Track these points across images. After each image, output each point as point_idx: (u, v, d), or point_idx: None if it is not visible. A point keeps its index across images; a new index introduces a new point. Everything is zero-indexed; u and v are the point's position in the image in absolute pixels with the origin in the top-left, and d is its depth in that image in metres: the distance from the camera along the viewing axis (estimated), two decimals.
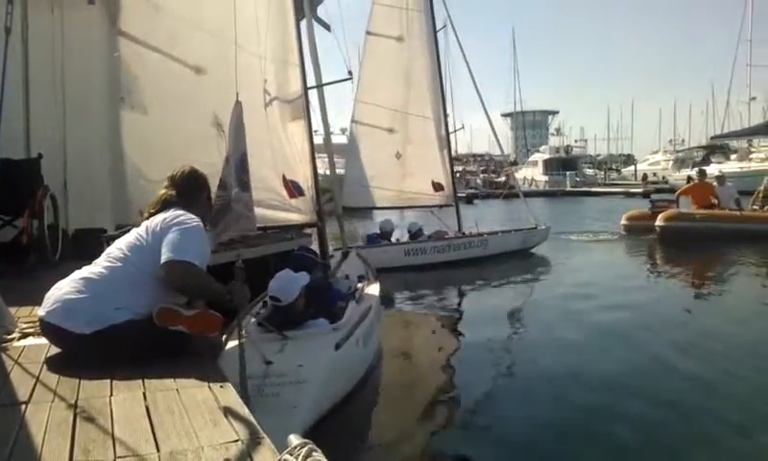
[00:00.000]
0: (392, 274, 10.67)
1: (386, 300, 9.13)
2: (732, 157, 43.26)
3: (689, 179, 39.62)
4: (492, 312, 8.83)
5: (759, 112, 42.97)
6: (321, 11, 8.82)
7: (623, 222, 16.25)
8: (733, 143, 45.11)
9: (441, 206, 13.09)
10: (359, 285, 6.21)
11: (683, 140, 68.53)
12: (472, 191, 42.49)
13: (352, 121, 13.22)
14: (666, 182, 43.19)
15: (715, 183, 15.73)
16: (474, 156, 69.46)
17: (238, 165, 3.58)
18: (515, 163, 58.24)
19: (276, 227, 6.44)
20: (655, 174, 48.95)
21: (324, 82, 7.57)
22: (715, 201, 14.80)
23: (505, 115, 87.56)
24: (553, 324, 7.93)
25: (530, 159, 52.56)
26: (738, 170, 38.72)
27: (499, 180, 51.61)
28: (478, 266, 11.86)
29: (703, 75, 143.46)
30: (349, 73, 7.62)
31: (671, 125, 78.94)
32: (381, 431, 4.76)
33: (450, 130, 14.15)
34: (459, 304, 9.59)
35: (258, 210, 5.60)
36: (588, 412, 4.85)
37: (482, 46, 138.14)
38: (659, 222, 14.36)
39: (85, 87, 6.73)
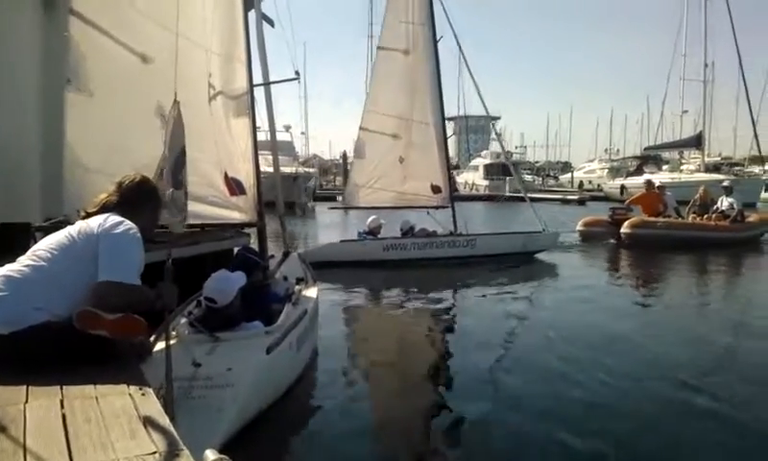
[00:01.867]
0: (375, 269, 11.07)
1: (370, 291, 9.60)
2: (665, 167, 44.56)
3: (623, 188, 41.49)
4: (459, 311, 8.83)
5: (691, 125, 44.65)
6: (265, 7, 8.68)
7: (579, 228, 16.07)
8: (666, 154, 46.89)
9: (437, 207, 13.16)
10: (297, 288, 5.93)
11: (618, 150, 70.39)
12: None
13: (360, 128, 13.42)
14: (601, 190, 44.52)
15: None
16: None
17: (173, 164, 3.46)
18: (456, 167, 58.96)
19: (215, 224, 6.07)
20: (590, 182, 50.24)
21: (270, 79, 7.54)
22: (662, 208, 15.45)
23: (449, 119, 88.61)
24: (528, 327, 7.98)
25: (471, 164, 53.06)
26: (669, 180, 40.18)
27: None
28: (466, 266, 11.82)
29: (639, 87, 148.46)
30: (296, 73, 7.55)
31: (608, 134, 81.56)
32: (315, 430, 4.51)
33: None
34: (427, 301, 9.18)
35: (198, 207, 5.41)
36: (565, 420, 4.60)
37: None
38: (624, 229, 14.71)
39: (12, 71, 6.46)
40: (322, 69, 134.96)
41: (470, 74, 14.45)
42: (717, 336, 7.31)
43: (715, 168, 40.92)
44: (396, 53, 13.18)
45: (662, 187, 16.72)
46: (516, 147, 75.01)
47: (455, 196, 14.20)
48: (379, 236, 12.24)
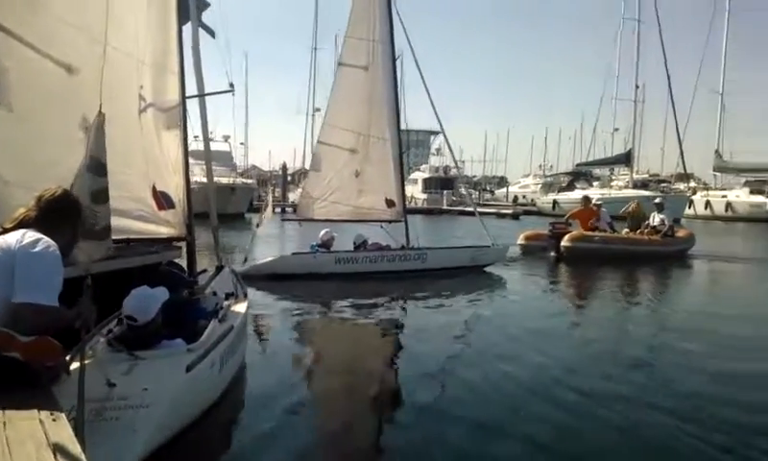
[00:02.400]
0: (327, 282, 11.24)
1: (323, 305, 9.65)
2: (595, 183, 46.45)
3: (555, 203, 42.76)
4: (406, 324, 9.00)
5: (622, 143, 46.47)
6: (206, 17, 8.58)
7: (520, 242, 16.76)
8: (597, 170, 48.61)
9: (391, 221, 13.42)
10: (225, 303, 5.78)
11: (551, 166, 72.73)
12: None
13: (318, 142, 13.68)
14: (534, 205, 45.72)
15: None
16: None
17: (92, 178, 3.37)
18: None
19: (141, 239, 5.90)
20: (524, 196, 51.57)
21: (205, 91, 7.44)
22: (597, 224, 16.39)
23: None
24: (475, 334, 8.46)
25: (411, 177, 53.69)
26: (599, 196, 41.78)
27: None
28: (417, 279, 12.04)
29: (574, 106, 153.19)
30: (230, 85, 7.47)
31: (543, 150, 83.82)
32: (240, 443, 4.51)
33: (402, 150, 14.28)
34: (375, 316, 9.37)
35: (124, 221, 5.31)
36: (511, 418, 4.95)
37: None
38: (564, 242, 15.47)
39: None
40: (264, 80, 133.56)
41: (426, 90, 14.69)
42: (644, 340, 8.15)
43: (643, 185, 42.87)
44: (356, 69, 13.42)
45: (598, 205, 17.60)
46: (456, 161, 76.11)
47: (408, 210, 14.49)
48: (332, 249, 12.41)
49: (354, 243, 12.69)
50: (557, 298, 11.97)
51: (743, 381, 6.13)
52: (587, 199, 18.29)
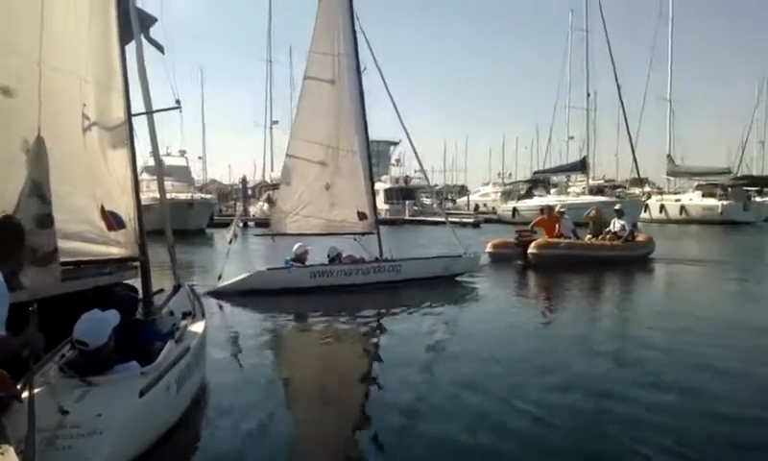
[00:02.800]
0: (303, 296, 11.30)
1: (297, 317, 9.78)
2: (553, 190, 47.24)
3: (515, 210, 43.30)
4: (382, 337, 9.11)
5: (577, 150, 47.39)
6: (154, 32, 8.42)
7: (488, 250, 17.14)
8: (554, 178, 49.41)
9: (363, 234, 13.55)
10: (182, 323, 5.68)
11: (510, 174, 73.78)
12: None
13: (287, 155, 13.69)
14: (495, 213, 46.18)
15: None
16: None
17: (35, 201, 3.25)
18: None
19: (92, 261, 5.74)
20: (485, 205, 52.07)
21: (153, 108, 7.28)
22: (562, 229, 16.94)
23: None
24: (454, 340, 8.78)
25: None
26: (557, 203, 42.41)
27: None
28: (391, 291, 12.24)
29: (530, 115, 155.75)
30: (177, 101, 7.31)
31: (501, 159, 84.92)
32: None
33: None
34: (351, 329, 9.56)
35: (73, 243, 5.20)
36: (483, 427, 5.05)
37: None
38: (531, 249, 15.95)
39: None
40: (220, 93, 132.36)
41: (392, 101, 14.81)
42: (608, 345, 8.44)
43: (599, 190, 43.72)
44: (322, 83, 13.54)
45: (562, 212, 18.15)
46: (416, 171, 76.52)
47: (381, 221, 14.63)
48: (306, 263, 12.48)
49: (328, 256, 12.80)
50: (527, 304, 12.36)
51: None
52: (549, 208, 18.78)
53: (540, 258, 15.88)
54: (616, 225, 17.50)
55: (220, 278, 11.75)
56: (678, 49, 46.24)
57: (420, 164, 18.83)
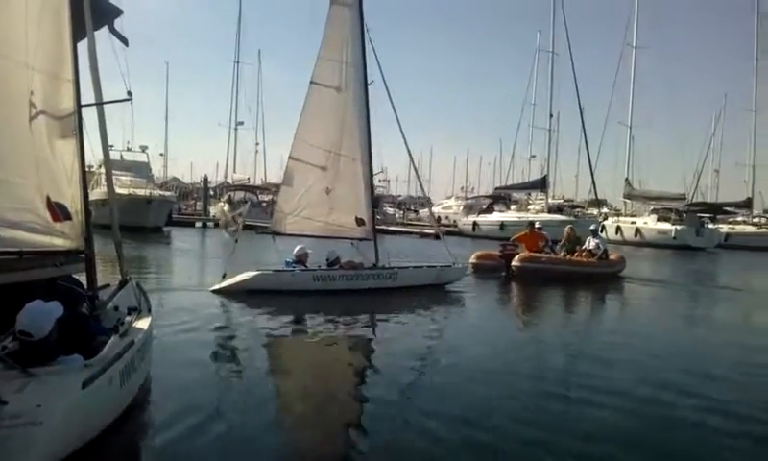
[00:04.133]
0: (303, 297, 11.72)
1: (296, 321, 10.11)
2: (513, 207, 47.98)
3: (475, 224, 43.81)
4: (385, 340, 9.54)
5: (539, 168, 48.18)
6: (118, 23, 8.29)
7: (472, 261, 18.06)
8: (515, 195, 50.11)
9: (361, 239, 14.00)
10: (127, 318, 5.72)
11: (473, 188, 74.66)
12: None
13: (290, 157, 13.97)
14: (456, 226, 46.59)
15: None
16: None
17: None
18: None
19: (35, 252, 5.52)
20: (447, 217, 52.54)
21: (104, 99, 7.15)
22: (542, 245, 18.07)
23: None
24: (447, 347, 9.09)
25: None
26: (517, 219, 42.96)
27: None
28: (387, 296, 12.84)
29: (494, 132, 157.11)
30: (128, 93, 7.18)
31: (465, 173, 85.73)
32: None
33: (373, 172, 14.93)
34: (350, 332, 9.83)
35: (15, 233, 5.12)
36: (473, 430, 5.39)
37: (298, 80, 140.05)
38: (515, 262, 16.99)
39: None
40: (186, 90, 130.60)
41: (397, 119, 15.45)
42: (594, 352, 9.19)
43: (558, 209, 44.68)
44: (329, 89, 13.94)
45: (541, 228, 19.29)
46: (380, 181, 76.89)
47: (378, 229, 15.30)
48: (307, 265, 12.97)
49: (327, 260, 13.27)
50: (513, 314, 13.41)
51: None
52: (532, 224, 19.76)
53: (523, 271, 16.89)
54: (591, 243, 18.63)
55: (224, 276, 12.12)
56: (641, 76, 47.10)
57: (418, 177, 19.74)
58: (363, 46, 14.27)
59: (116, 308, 6.23)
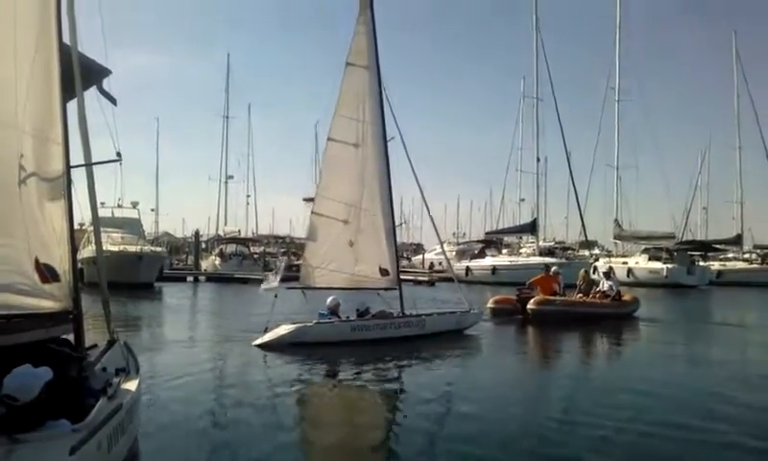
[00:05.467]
0: (340, 347, 12.29)
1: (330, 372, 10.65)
2: (504, 250, 48.12)
3: (468, 269, 43.78)
4: (422, 387, 9.77)
5: (529, 212, 48.51)
6: (106, 83, 8.38)
7: (490, 305, 18.81)
8: (506, 238, 50.29)
9: (386, 289, 14.64)
10: (115, 380, 5.64)
11: (464, 233, 74.90)
12: (270, 274, 42.07)
13: (312, 213, 14.77)
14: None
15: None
16: (276, 237, 69.41)
17: None
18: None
19: (23, 314, 5.45)
20: (440, 263, 52.55)
21: (93, 159, 7.16)
22: (557, 288, 18.63)
23: (307, 200, 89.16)
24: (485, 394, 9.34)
25: None
26: (508, 263, 43.09)
27: (299, 262, 51.92)
28: (417, 343, 13.30)
29: (484, 176, 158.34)
30: (118, 154, 7.21)
31: (456, 219, 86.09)
32: None
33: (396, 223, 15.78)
34: (391, 377, 10.57)
35: (5, 295, 5.08)
36: None
37: (288, 131, 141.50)
38: (531, 306, 17.56)
39: None
40: (176, 146, 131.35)
41: (414, 175, 16.30)
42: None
43: (549, 252, 44.86)
44: (346, 145, 14.65)
45: (558, 273, 19.87)
46: None
47: (402, 279, 15.92)
48: (341, 316, 13.61)
49: (357, 310, 13.86)
50: (530, 356, 14.37)
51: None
52: (547, 268, 20.56)
53: (538, 314, 17.44)
54: (605, 285, 19.43)
55: (266, 330, 12.59)
56: (626, 118, 47.78)
57: (435, 228, 23.30)
58: (381, 105, 15.05)
59: (104, 369, 6.13)
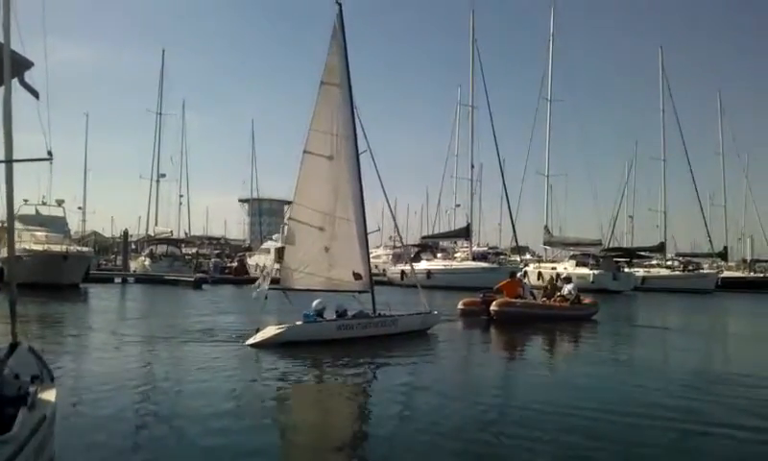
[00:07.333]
0: (325, 345, 13.35)
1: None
2: (439, 255, 48.66)
3: (403, 273, 44.01)
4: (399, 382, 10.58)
5: (464, 217, 49.26)
6: (29, 76, 7.98)
7: (459, 307, 20.69)
8: (441, 243, 50.84)
9: (359, 292, 15.71)
10: (31, 389, 5.04)
11: (401, 238, 75.23)
12: (202, 275, 41.24)
13: (290, 218, 15.78)
14: (385, 275, 46.71)
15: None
16: (210, 238, 67.85)
17: None
18: (249, 249, 58.14)
19: None
20: (377, 266, 52.70)
21: (24, 155, 6.80)
22: (521, 292, 20.38)
23: (243, 201, 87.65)
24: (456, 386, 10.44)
25: (263, 246, 53.03)
26: (443, 267, 43.60)
27: (233, 265, 51.02)
28: (391, 341, 14.55)
29: (421, 181, 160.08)
30: (49, 153, 6.82)
31: (393, 222, 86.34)
32: None
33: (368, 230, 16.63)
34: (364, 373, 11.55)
35: None
36: None
37: (225, 129, 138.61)
38: (494, 307, 19.25)
39: None
40: (106, 142, 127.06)
41: (383, 189, 17.56)
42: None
43: (483, 256, 45.52)
44: (320, 158, 15.59)
45: (520, 279, 21.93)
46: None
47: (375, 282, 17.00)
48: (326, 317, 14.61)
49: (336, 311, 14.87)
50: (494, 352, 15.85)
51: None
52: (513, 273, 22.73)
53: (501, 315, 19.12)
54: (565, 289, 21.37)
55: (257, 331, 13.55)
56: (557, 128, 49.21)
57: (398, 231, 25.64)
58: (353, 121, 16.08)
59: (17, 376, 5.69)
